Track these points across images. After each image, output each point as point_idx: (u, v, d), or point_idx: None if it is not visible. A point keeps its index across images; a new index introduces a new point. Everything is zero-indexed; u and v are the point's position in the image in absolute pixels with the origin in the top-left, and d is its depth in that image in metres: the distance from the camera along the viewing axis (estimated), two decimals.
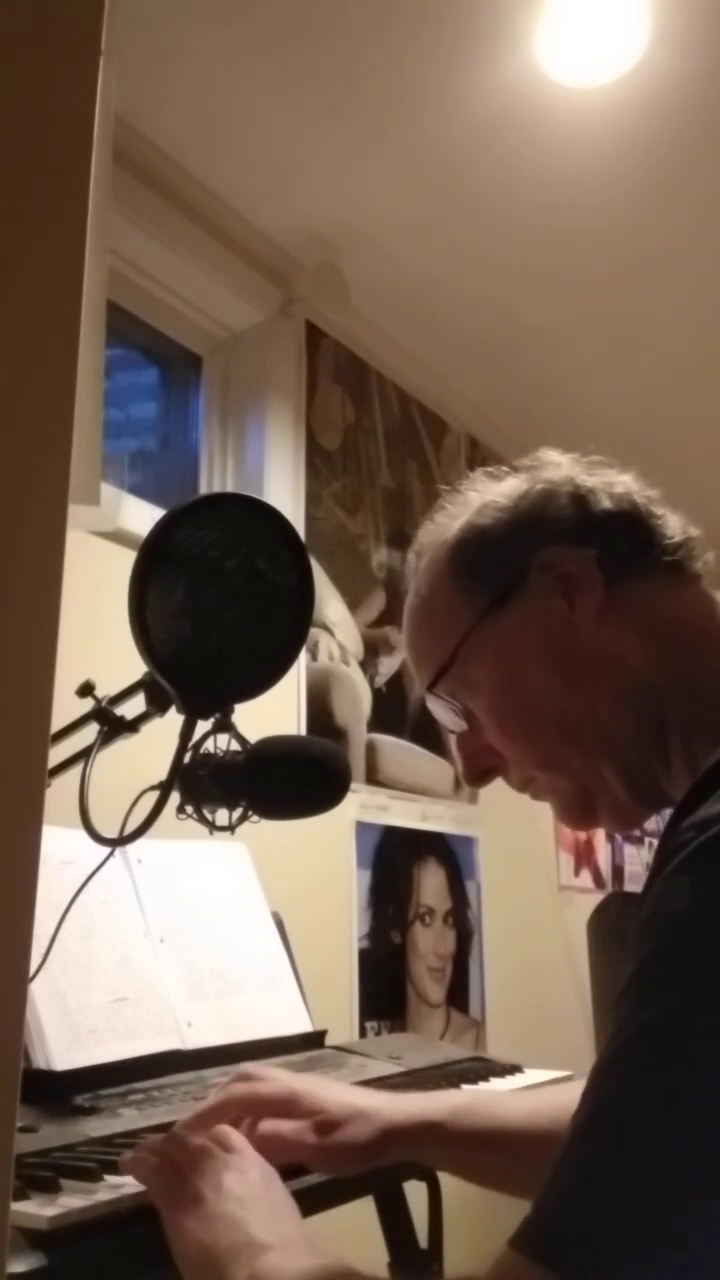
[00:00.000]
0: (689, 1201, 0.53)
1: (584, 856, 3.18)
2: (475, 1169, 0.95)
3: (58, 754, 0.87)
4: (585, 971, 2.59)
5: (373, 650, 2.42)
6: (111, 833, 0.83)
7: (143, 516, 1.81)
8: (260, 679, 0.88)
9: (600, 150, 2.03)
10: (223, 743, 0.87)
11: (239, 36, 1.78)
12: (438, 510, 0.90)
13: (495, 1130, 0.91)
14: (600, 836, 3.27)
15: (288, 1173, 0.85)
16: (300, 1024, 1.29)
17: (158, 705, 0.88)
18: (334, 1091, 0.92)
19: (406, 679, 2.42)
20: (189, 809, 0.88)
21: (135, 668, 0.86)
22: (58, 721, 0.60)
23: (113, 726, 0.91)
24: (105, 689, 0.92)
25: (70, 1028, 1.04)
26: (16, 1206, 0.74)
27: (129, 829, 0.82)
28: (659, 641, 0.79)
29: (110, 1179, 0.81)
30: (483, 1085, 1.22)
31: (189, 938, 1.23)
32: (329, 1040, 1.32)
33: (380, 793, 2.34)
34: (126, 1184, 0.81)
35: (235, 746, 0.87)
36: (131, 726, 0.91)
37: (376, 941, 2.25)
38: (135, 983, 1.13)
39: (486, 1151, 0.91)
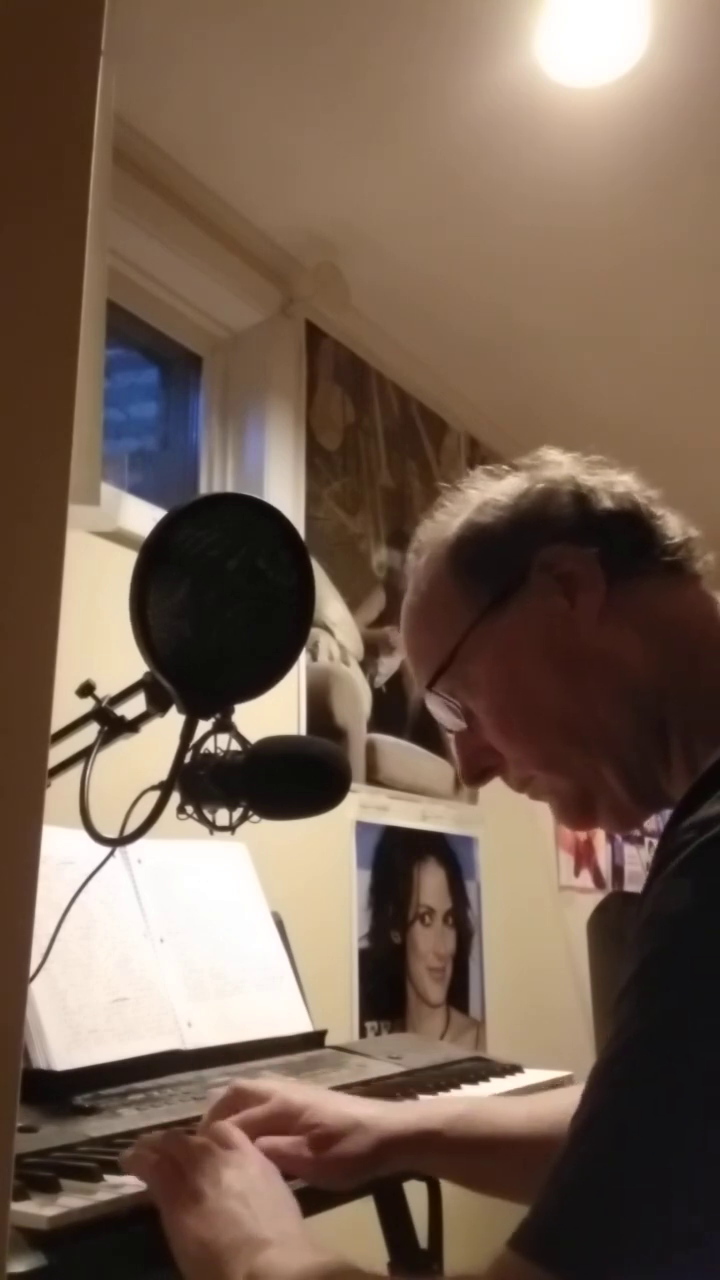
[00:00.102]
0: (689, 1202, 0.53)
1: (584, 856, 3.18)
2: (475, 1177, 0.95)
3: (58, 754, 0.87)
4: (585, 971, 2.59)
5: (373, 650, 2.42)
6: (111, 833, 0.83)
7: (143, 516, 1.81)
8: (260, 679, 0.88)
9: (600, 150, 2.03)
10: (223, 743, 0.87)
11: (239, 36, 1.78)
12: (438, 508, 0.90)
13: (494, 1137, 0.91)
14: (600, 836, 3.27)
15: (287, 1175, 0.85)
16: (300, 1024, 1.29)
17: (158, 705, 0.88)
18: (330, 1103, 0.91)
19: (406, 679, 2.42)
20: (189, 809, 0.88)
21: (135, 668, 0.86)
22: (58, 721, 0.60)
23: (113, 726, 0.91)
24: (105, 689, 0.92)
25: (70, 1028, 1.04)
26: (16, 1206, 0.74)
27: (129, 829, 0.82)
28: (659, 641, 0.79)
29: (110, 1179, 0.81)
30: (482, 1085, 1.22)
31: (189, 938, 1.23)
32: (329, 1040, 1.32)
33: (380, 793, 2.34)
34: (126, 1184, 0.81)
35: (235, 746, 0.87)
36: (131, 726, 0.91)
37: (376, 941, 2.25)
38: (135, 983, 1.13)
39: (486, 1159, 0.91)
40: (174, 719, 0.85)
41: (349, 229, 2.25)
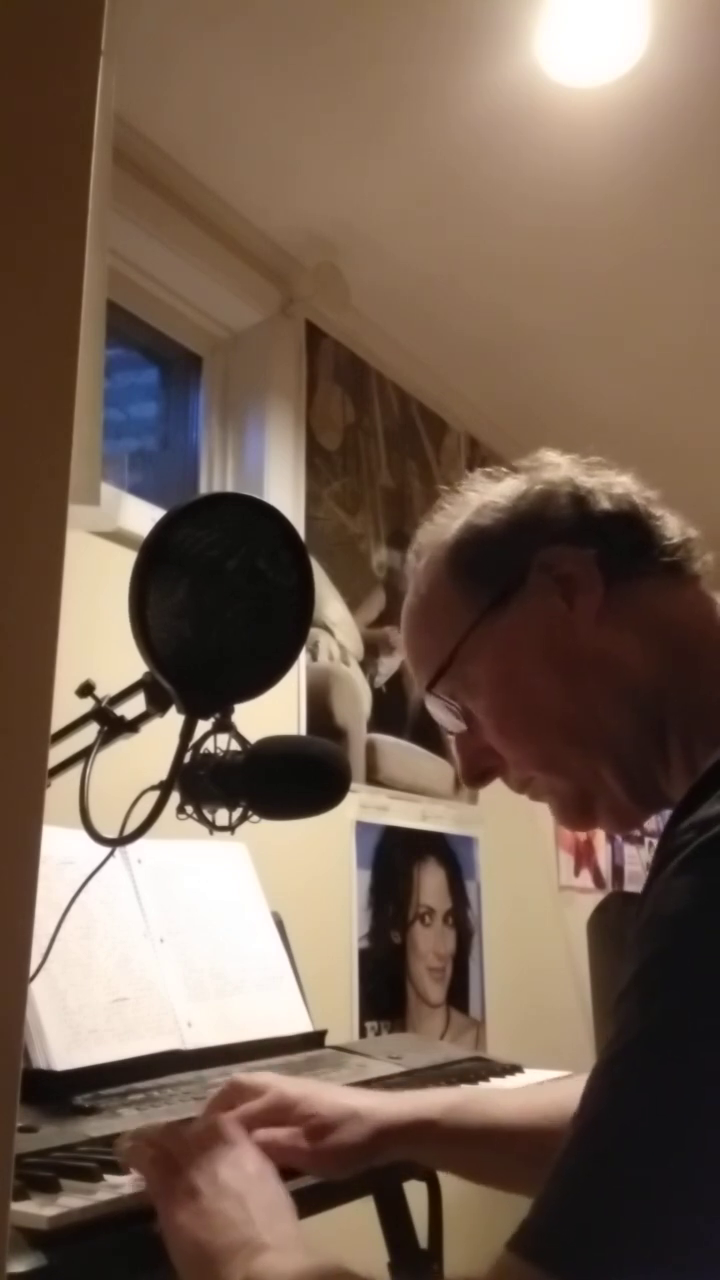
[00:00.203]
0: (690, 1203, 0.53)
1: (584, 856, 3.18)
2: (470, 1166, 0.95)
3: (58, 754, 0.87)
4: (585, 971, 2.59)
5: (373, 650, 2.42)
6: (111, 833, 0.83)
7: (143, 516, 1.81)
8: (260, 679, 0.88)
9: (600, 150, 2.03)
10: (223, 743, 0.87)
11: (239, 37, 1.78)
12: (437, 511, 0.90)
13: (488, 1127, 0.91)
14: (600, 836, 3.27)
15: (284, 1173, 0.85)
16: (300, 1024, 1.29)
17: (158, 705, 0.88)
18: (326, 1094, 0.91)
19: (406, 679, 2.42)
20: (189, 809, 0.88)
21: (135, 668, 0.86)
22: (58, 721, 0.60)
23: (113, 726, 0.91)
24: (105, 689, 0.92)
25: (70, 1028, 1.04)
26: (16, 1206, 0.74)
27: (129, 829, 0.82)
28: (658, 642, 0.79)
29: (110, 1179, 0.81)
30: (482, 1085, 1.22)
31: (189, 938, 1.23)
32: (329, 1040, 1.32)
33: (380, 793, 2.35)
34: (126, 1184, 0.81)
35: (235, 746, 0.87)
36: (131, 726, 0.91)
37: (376, 941, 2.25)
38: (135, 983, 1.13)
39: (480, 1148, 0.91)
40: (174, 719, 0.85)
41: (349, 229, 2.25)
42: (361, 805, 2.27)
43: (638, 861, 3.42)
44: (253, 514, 0.87)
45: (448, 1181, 1.06)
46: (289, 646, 0.88)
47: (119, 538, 1.75)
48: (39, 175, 0.54)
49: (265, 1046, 1.21)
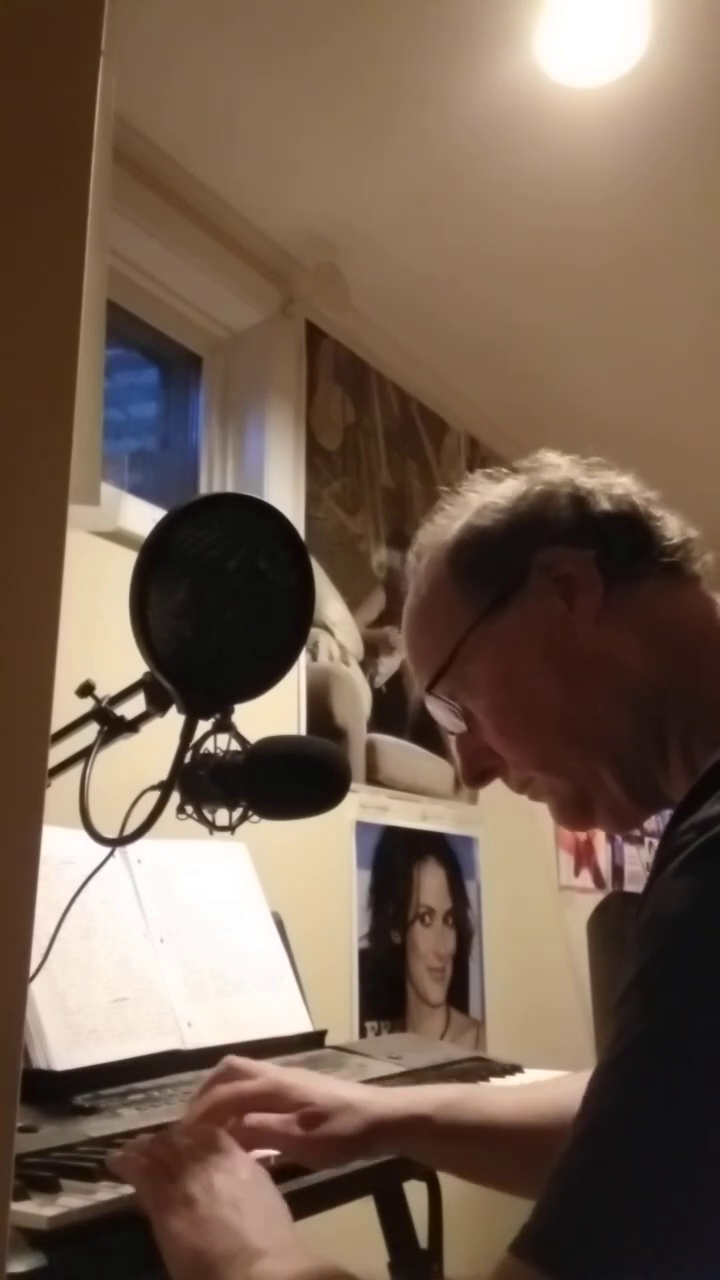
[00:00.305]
0: (691, 1204, 0.53)
1: (584, 856, 3.18)
2: (462, 1163, 0.95)
3: (58, 754, 0.87)
4: (585, 971, 2.59)
5: (373, 650, 2.42)
6: (111, 833, 0.83)
7: (143, 516, 1.81)
8: (260, 679, 0.88)
9: (600, 150, 2.03)
10: (223, 743, 0.87)
11: (239, 37, 1.78)
12: (437, 511, 0.90)
13: (482, 1124, 0.91)
14: (600, 837, 3.27)
15: (283, 1174, 0.85)
16: (300, 1024, 1.29)
17: (158, 705, 0.88)
18: (321, 1084, 0.92)
19: (406, 679, 2.42)
20: (189, 809, 0.88)
21: (135, 668, 0.86)
22: (58, 721, 0.60)
23: (113, 726, 0.91)
24: (105, 689, 0.92)
25: (70, 1028, 1.04)
26: (16, 1206, 0.74)
27: (129, 829, 0.82)
28: (658, 643, 0.79)
29: (110, 1179, 0.81)
30: (482, 1085, 1.22)
31: (189, 938, 1.23)
32: (329, 1040, 1.32)
33: (380, 793, 2.35)
34: (126, 1184, 0.81)
35: (235, 746, 0.87)
36: (131, 726, 0.91)
37: (376, 941, 2.25)
38: (135, 983, 1.13)
39: (473, 1146, 0.91)
40: (174, 719, 0.85)
41: (349, 229, 2.25)
42: (361, 805, 2.27)
43: (638, 861, 3.42)
44: (253, 514, 0.87)
45: (448, 1181, 1.06)
46: (289, 646, 0.88)
47: (119, 538, 1.75)
48: (39, 175, 0.54)
49: (265, 1046, 1.21)
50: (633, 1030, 0.57)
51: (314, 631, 2.22)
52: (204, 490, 2.28)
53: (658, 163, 2.06)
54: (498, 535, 0.84)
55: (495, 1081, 1.25)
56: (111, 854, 0.94)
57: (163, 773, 0.83)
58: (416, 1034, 2.26)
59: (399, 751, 2.43)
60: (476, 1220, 1.32)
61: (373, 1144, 0.89)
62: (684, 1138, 0.53)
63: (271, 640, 0.87)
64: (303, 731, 2.12)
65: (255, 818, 0.88)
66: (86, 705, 0.91)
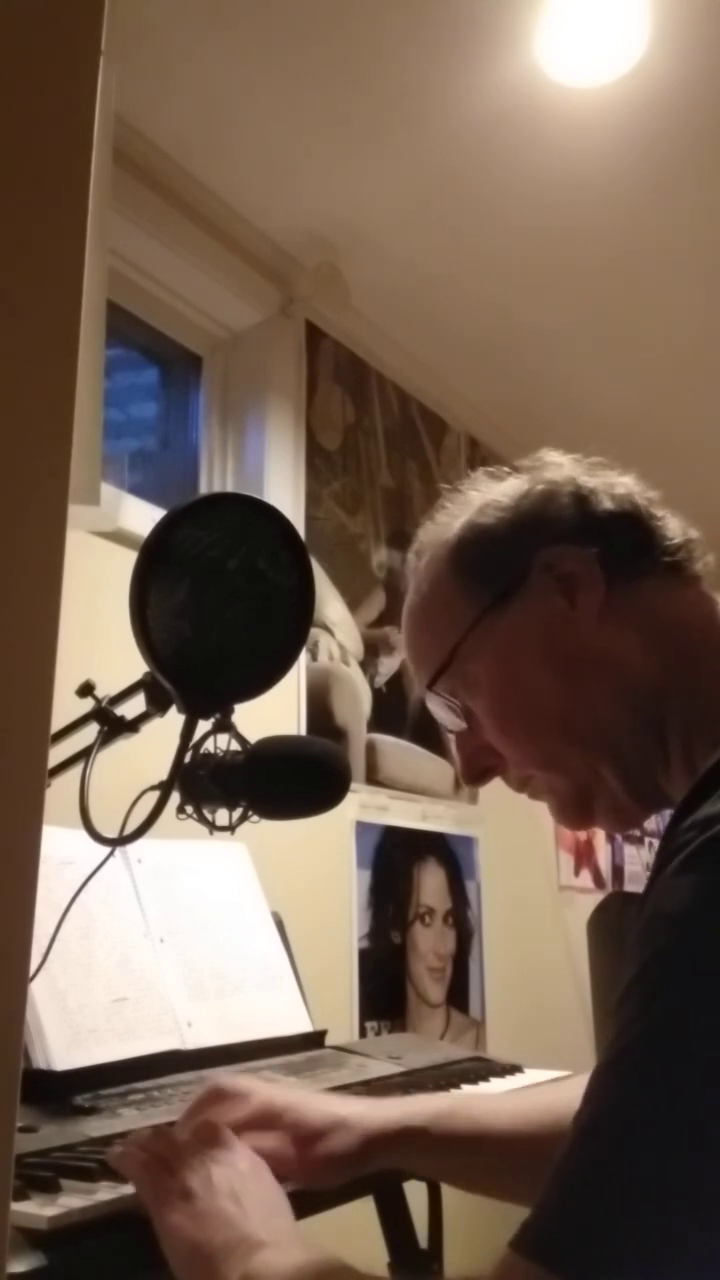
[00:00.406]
0: (691, 1203, 0.53)
1: (584, 856, 3.18)
2: (460, 1174, 0.95)
3: (58, 754, 0.87)
4: (585, 971, 2.59)
5: (373, 650, 2.42)
6: (111, 833, 0.83)
7: (143, 516, 1.81)
8: (260, 679, 0.88)
9: (600, 150, 2.03)
10: (223, 743, 0.87)
11: (239, 37, 1.78)
12: (439, 510, 0.90)
13: (479, 1134, 0.90)
14: (600, 836, 3.27)
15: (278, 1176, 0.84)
16: (300, 1024, 1.29)
17: (158, 705, 0.88)
18: (314, 1102, 0.90)
19: (406, 679, 2.42)
20: (189, 809, 0.88)
21: (135, 668, 0.86)
22: (58, 721, 0.60)
23: (113, 726, 0.90)
24: (105, 689, 0.92)
25: (70, 1028, 1.04)
26: (16, 1206, 0.74)
27: (129, 829, 0.82)
28: (659, 642, 0.79)
29: (110, 1179, 0.81)
30: (482, 1085, 1.22)
31: (189, 938, 1.23)
32: (329, 1040, 1.32)
33: (380, 793, 2.34)
34: (126, 1184, 0.81)
35: (235, 746, 0.87)
36: (131, 726, 0.91)
37: (376, 941, 2.25)
38: (135, 983, 1.13)
39: (470, 1156, 0.91)
40: (174, 719, 0.85)
41: (349, 229, 2.25)
42: (361, 805, 2.27)
43: (638, 861, 3.42)
44: (253, 514, 0.87)
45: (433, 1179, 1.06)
46: (289, 646, 0.88)
47: (119, 538, 1.75)
48: (39, 175, 0.54)
49: (265, 1046, 1.21)
50: (633, 1029, 0.57)
51: (314, 631, 2.22)
52: (204, 490, 2.28)
53: (658, 163, 2.06)
54: (500, 533, 0.84)
55: (495, 1081, 1.24)
56: (111, 854, 0.94)
57: (163, 773, 0.83)
58: (416, 1034, 2.26)
59: (399, 751, 2.43)
60: (476, 1220, 1.31)
61: (369, 1159, 0.88)
62: (684, 1136, 0.53)
63: (271, 640, 0.87)
64: (303, 731, 2.12)
65: (255, 818, 0.87)
66: (86, 705, 0.91)
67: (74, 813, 0.82)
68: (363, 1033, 2.14)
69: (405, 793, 2.42)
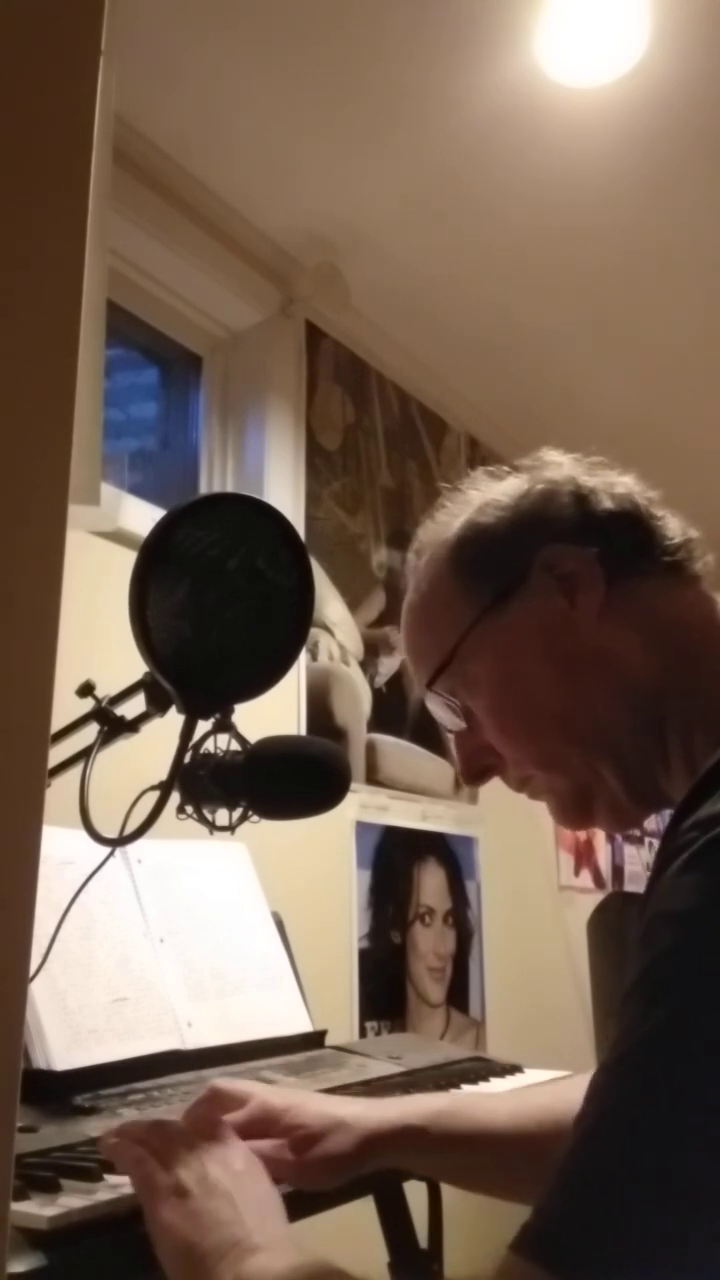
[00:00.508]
0: (692, 1204, 0.53)
1: (584, 856, 3.18)
2: (459, 1173, 0.94)
3: (58, 754, 0.87)
4: (585, 971, 2.59)
5: (373, 650, 2.42)
6: (111, 833, 0.83)
7: (143, 516, 1.81)
8: (260, 679, 0.88)
9: (600, 150, 2.03)
10: (223, 743, 0.87)
11: (239, 37, 1.78)
12: (438, 509, 0.90)
13: (477, 1133, 0.90)
14: (600, 836, 3.27)
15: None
16: (300, 1024, 1.29)
17: (158, 705, 0.88)
18: (312, 1103, 0.90)
19: (406, 679, 2.42)
20: (189, 809, 0.88)
21: (135, 668, 0.86)
22: (58, 721, 0.60)
23: (113, 726, 0.90)
24: (105, 689, 0.92)
25: (70, 1028, 1.04)
26: (16, 1206, 0.73)
27: (129, 829, 0.82)
28: (659, 641, 0.79)
29: (110, 1179, 0.81)
30: (482, 1085, 1.22)
31: (189, 938, 1.23)
32: (329, 1040, 1.32)
33: (380, 793, 2.34)
34: (126, 1184, 0.80)
35: (235, 746, 0.87)
36: (131, 726, 0.91)
37: (376, 941, 2.25)
38: (135, 983, 1.13)
39: (469, 1155, 0.91)
40: (174, 719, 0.85)
41: (349, 229, 2.25)
42: (361, 805, 2.27)
43: (638, 861, 3.42)
44: (253, 514, 0.87)
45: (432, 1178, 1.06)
46: (289, 646, 0.88)
47: (119, 538, 1.75)
48: (39, 175, 0.54)
49: (265, 1046, 1.21)
50: (636, 1030, 0.57)
51: (314, 631, 2.22)
52: (204, 490, 2.28)
53: (657, 163, 2.06)
54: (500, 532, 0.84)
55: (495, 1081, 1.24)
56: (111, 854, 0.93)
57: (163, 773, 0.83)
58: (416, 1034, 2.26)
59: (399, 751, 2.43)
60: (476, 1220, 1.31)
61: (368, 1160, 0.88)
62: (686, 1136, 0.53)
63: (271, 640, 0.87)
64: (303, 731, 2.12)
65: (255, 818, 0.87)
66: (86, 705, 0.91)
67: (74, 813, 0.82)
68: (363, 1033, 2.14)
69: (405, 793, 2.42)
